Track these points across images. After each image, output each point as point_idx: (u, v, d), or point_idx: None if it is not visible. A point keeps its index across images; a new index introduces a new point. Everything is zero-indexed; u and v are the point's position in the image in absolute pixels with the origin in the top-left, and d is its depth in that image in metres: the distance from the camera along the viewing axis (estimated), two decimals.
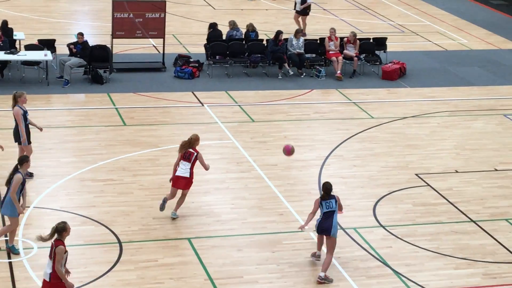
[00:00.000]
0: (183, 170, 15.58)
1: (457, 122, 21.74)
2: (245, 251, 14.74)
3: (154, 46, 26.27)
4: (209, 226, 15.57)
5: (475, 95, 24.03)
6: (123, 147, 18.66)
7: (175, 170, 15.66)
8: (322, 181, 17.52)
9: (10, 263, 13.78)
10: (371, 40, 26.05)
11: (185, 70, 23.68)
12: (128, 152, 18.42)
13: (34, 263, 13.82)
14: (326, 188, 14.18)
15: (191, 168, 15.60)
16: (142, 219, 15.54)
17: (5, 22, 23.63)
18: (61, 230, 12.08)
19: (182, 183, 15.62)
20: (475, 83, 25.05)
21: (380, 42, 26.08)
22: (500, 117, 22.23)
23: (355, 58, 24.90)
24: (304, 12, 28.33)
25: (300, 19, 28.21)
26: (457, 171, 18.67)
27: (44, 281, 12.05)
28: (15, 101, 16.94)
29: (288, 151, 15.75)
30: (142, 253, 14.40)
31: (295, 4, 28.56)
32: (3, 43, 22.64)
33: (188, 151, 15.66)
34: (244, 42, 24.92)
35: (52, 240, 12.10)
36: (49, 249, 12.14)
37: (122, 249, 14.45)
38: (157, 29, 24.10)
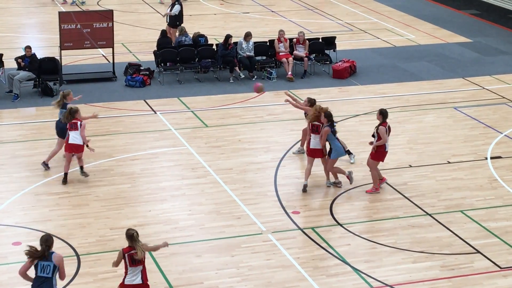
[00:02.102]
0: (315, 142, 17.20)
1: (409, 117, 21.95)
2: (204, 257, 14.72)
3: (103, 55, 26.12)
4: (167, 233, 15.51)
5: (425, 89, 24.29)
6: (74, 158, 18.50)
7: (308, 142, 17.41)
8: (278, 183, 17.62)
9: None
10: (320, 40, 26.19)
11: (136, 78, 23.59)
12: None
13: None
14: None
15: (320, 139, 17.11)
16: (99, 230, 15.44)
17: None
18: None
19: (318, 153, 17.25)
20: (424, 78, 25.32)
21: (329, 41, 26.24)
22: (451, 110, 22.50)
23: (305, 59, 25.02)
24: (173, 24, 27.51)
25: (171, 31, 26.99)
26: (411, 166, 18.84)
27: None
28: (64, 99, 18.20)
29: (256, 89, 18.37)
30: (100, 264, 14.31)
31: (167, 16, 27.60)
32: None
33: (315, 124, 17.21)
34: (194, 48, 24.89)
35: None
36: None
37: (80, 262, 14.35)
38: (106, 39, 23.96)
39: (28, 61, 22.66)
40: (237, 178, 17.86)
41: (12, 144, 19.42)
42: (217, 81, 24.43)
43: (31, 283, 12.00)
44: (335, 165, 17.43)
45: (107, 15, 24.12)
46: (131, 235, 12.32)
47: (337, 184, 17.60)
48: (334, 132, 17.20)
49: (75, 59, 25.40)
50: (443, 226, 16.08)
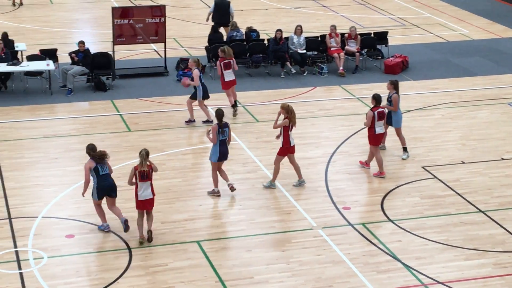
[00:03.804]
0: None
1: (462, 113, 21.72)
2: (255, 252, 14.75)
3: (155, 50, 26.30)
4: (218, 228, 15.58)
5: (479, 85, 23.99)
6: (129, 153, 18.67)
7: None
8: (329, 178, 17.57)
9: (21, 274, 13.81)
10: (372, 35, 26.03)
11: (188, 73, 23.66)
12: (134, 158, 18.40)
13: (45, 273, 13.84)
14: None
15: None
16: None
17: (5, 34, 23.68)
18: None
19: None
20: (478, 73, 25.02)
21: (382, 36, 26.07)
22: (505, 106, 22.19)
23: (357, 54, 24.89)
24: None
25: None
26: (463, 162, 18.64)
27: None
28: (198, 65, 20.00)
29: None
30: (152, 258, 14.42)
31: None
32: (5, 54, 22.69)
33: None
34: (245, 43, 24.92)
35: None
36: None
37: (132, 255, 14.47)
38: (158, 34, 24.13)
39: (81, 56, 22.91)
40: (287, 173, 17.84)
41: (66, 138, 19.66)
42: (268, 76, 24.43)
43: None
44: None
45: (160, 10, 24.28)
46: (142, 155, 14.53)
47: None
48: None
49: (127, 54, 25.60)
50: (496, 223, 15.88)
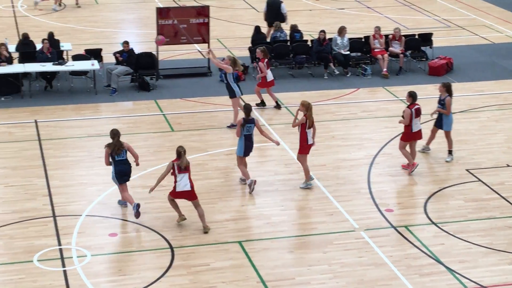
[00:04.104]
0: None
1: (507, 115, 21.46)
2: (296, 253, 14.73)
3: (199, 51, 26.39)
4: (260, 228, 15.59)
5: None
6: (171, 153, 18.63)
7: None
8: (372, 180, 17.49)
9: (64, 271, 13.95)
10: (417, 36, 25.85)
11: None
12: None
13: (88, 271, 13.97)
14: None
15: None
16: (192, 224, 15.60)
17: (51, 34, 23.95)
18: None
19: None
20: None
21: (426, 38, 25.88)
22: None
23: (401, 55, 24.74)
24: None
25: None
26: (508, 165, 18.42)
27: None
28: (234, 63, 19.95)
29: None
30: (194, 257, 14.47)
31: None
32: (51, 54, 22.94)
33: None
34: (288, 44, 24.91)
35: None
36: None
37: (174, 254, 14.54)
38: (202, 34, 24.22)
39: (126, 56, 23.08)
40: (330, 175, 17.79)
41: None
42: (311, 77, 24.39)
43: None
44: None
45: (203, 10, 24.37)
46: (179, 152, 15.13)
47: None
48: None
49: (171, 54, 25.73)
50: None
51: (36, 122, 20.58)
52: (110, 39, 27.75)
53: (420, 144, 18.72)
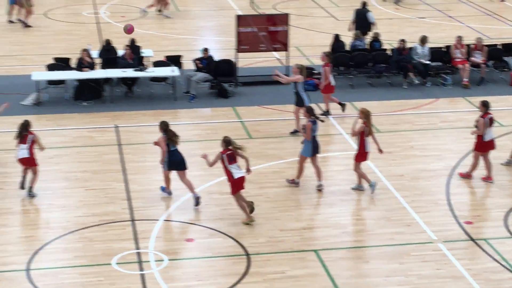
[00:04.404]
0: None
1: None
2: (373, 263, 14.60)
3: (277, 59, 26.44)
4: (336, 237, 15.51)
5: None
6: (249, 160, 18.79)
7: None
8: (451, 191, 17.23)
9: (142, 275, 14.11)
10: (499, 46, 25.41)
11: (309, 82, 23.67)
12: (254, 164, 18.54)
13: (165, 275, 14.10)
14: None
15: None
16: (269, 231, 15.62)
17: (133, 41, 24.32)
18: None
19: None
20: None
21: (509, 48, 25.41)
22: None
23: (483, 65, 24.35)
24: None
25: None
26: None
27: None
28: (302, 71, 19.92)
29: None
30: (270, 265, 14.48)
31: None
32: (132, 60, 23.29)
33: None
34: (368, 52, 24.78)
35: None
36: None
37: (250, 261, 14.57)
38: (281, 42, 24.28)
39: (205, 62, 23.28)
40: (408, 185, 17.61)
41: (188, 143, 19.97)
42: (390, 87, 24.19)
43: None
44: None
45: (283, 18, 24.42)
46: (228, 141, 15.79)
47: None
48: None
49: (250, 61, 25.84)
50: None
51: (116, 127, 20.91)
52: (190, 46, 28.03)
53: (499, 156, 18.40)
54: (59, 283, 13.81)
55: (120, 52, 23.90)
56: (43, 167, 18.08)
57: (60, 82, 23.12)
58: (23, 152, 16.87)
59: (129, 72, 22.94)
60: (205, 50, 23.48)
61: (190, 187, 16.68)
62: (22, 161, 16.96)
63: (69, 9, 33.00)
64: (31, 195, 16.97)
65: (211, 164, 15.96)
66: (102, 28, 30.29)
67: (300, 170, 17.47)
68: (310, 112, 17.40)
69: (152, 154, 19.21)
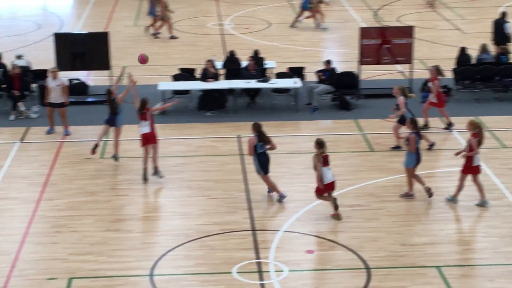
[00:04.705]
0: None
1: None
2: (498, 282, 14.20)
3: (400, 71, 26.16)
4: (459, 254, 15.18)
5: None
6: (370, 173, 18.68)
7: None
8: None
9: (262, 285, 14.18)
10: None
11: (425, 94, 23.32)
12: (375, 178, 18.42)
13: (285, 286, 14.12)
14: None
15: None
16: (390, 245, 15.44)
17: (257, 52, 24.56)
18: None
19: None
20: None
21: None
22: None
23: None
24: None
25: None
26: None
27: None
28: (403, 92, 19.79)
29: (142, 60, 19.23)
30: (390, 279, 14.30)
31: None
32: (255, 71, 23.51)
33: None
34: (495, 66, 24.20)
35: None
36: None
37: (370, 275, 14.43)
38: (405, 55, 24.01)
39: (328, 74, 23.27)
40: None
41: (309, 155, 19.90)
42: None
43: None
44: None
45: (407, 31, 24.17)
46: (321, 142, 16.30)
47: None
48: None
49: (372, 74, 25.66)
50: None
51: (238, 137, 21.13)
52: (312, 58, 28.08)
53: None
54: None
55: (244, 63, 24.17)
56: (167, 175, 18.47)
57: (185, 92, 23.57)
58: (145, 128, 18.09)
59: (252, 83, 23.17)
60: (328, 62, 23.47)
61: (274, 187, 17.35)
62: (144, 136, 18.13)
63: (195, 21, 33.63)
64: (159, 175, 18.16)
65: (316, 168, 16.35)
66: (226, 39, 30.72)
67: (411, 182, 17.36)
68: (413, 124, 17.33)
69: (273, 165, 19.25)
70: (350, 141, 20.80)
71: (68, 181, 18.44)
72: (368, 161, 19.51)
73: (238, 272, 14.52)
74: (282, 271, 14.58)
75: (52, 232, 16.08)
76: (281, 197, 17.33)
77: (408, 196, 17.36)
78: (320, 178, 16.28)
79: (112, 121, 19.44)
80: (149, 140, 18.18)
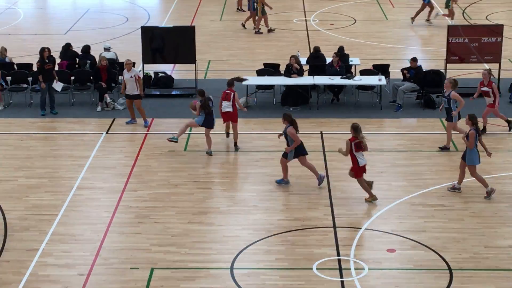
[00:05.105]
0: None
1: None
2: None
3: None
4: None
5: None
6: (454, 173, 18.37)
7: None
8: None
9: (342, 282, 14.12)
10: None
11: None
12: (455, 179, 18.12)
13: (365, 284, 14.04)
14: None
15: None
16: (473, 247, 15.18)
17: (341, 48, 24.45)
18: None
19: None
20: None
21: None
22: None
23: None
24: None
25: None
26: None
27: None
28: (454, 86, 19.59)
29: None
30: (473, 282, 14.06)
31: None
32: (340, 68, 23.41)
33: None
34: None
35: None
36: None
37: (452, 277, 14.22)
38: (493, 53, 23.57)
39: (413, 72, 23.00)
40: None
41: (392, 153, 19.82)
42: None
43: None
44: None
45: (497, 29, 23.74)
46: (356, 127, 16.80)
47: None
48: None
49: (458, 72, 25.24)
50: None
51: (321, 133, 21.08)
52: (398, 55, 27.82)
53: None
54: (260, 284, 14.09)
55: (328, 59, 24.08)
56: (249, 170, 18.55)
57: (269, 87, 23.62)
58: (228, 108, 19.77)
59: (336, 80, 23.06)
60: (414, 60, 23.20)
61: (314, 170, 17.83)
62: (226, 114, 19.83)
63: (280, 16, 33.67)
64: (237, 148, 19.69)
65: (346, 154, 16.94)
66: (310, 35, 30.66)
67: (481, 179, 17.19)
68: (472, 120, 17.13)
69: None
70: (434, 140, 20.52)
71: (152, 173, 18.69)
72: (452, 160, 19.21)
73: (318, 269, 14.49)
74: (362, 269, 14.50)
75: (135, 222, 16.33)
76: (284, 182, 17.92)
77: (491, 192, 17.08)
78: (355, 162, 16.90)
79: (206, 122, 19.55)
80: (230, 118, 19.89)
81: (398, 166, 19.06)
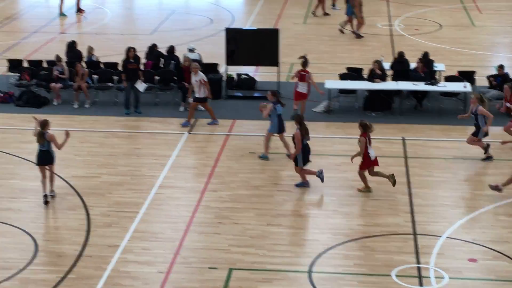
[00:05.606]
0: None
1: None
2: None
3: None
4: None
5: None
6: None
7: None
8: None
9: None
10: None
11: None
12: None
13: None
14: None
15: None
16: None
17: (426, 54, 24.15)
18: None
19: None
20: None
21: None
22: None
23: None
24: None
25: None
26: None
27: None
28: (481, 101, 19.21)
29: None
30: None
31: None
32: (424, 74, 23.13)
33: None
34: None
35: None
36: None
37: None
38: None
39: (499, 80, 22.57)
40: None
41: (476, 161, 19.45)
42: None
43: None
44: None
45: None
46: (365, 124, 17.47)
47: None
48: None
49: None
50: None
51: (403, 139, 20.86)
52: (484, 62, 27.36)
53: None
54: None
55: (412, 65, 23.82)
56: (330, 173, 18.46)
57: (351, 91, 23.50)
58: (303, 88, 21.52)
59: (420, 86, 22.79)
60: (501, 67, 22.77)
61: (313, 172, 17.95)
62: (299, 94, 21.64)
63: (365, 21, 33.45)
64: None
65: (363, 150, 17.43)
66: (395, 40, 30.39)
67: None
68: None
69: (438, 169, 18.97)
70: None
71: (233, 174, 18.78)
72: (506, 167, 18.75)
73: (397, 276, 14.34)
74: (442, 277, 14.28)
75: (215, 222, 16.43)
76: (305, 184, 18.01)
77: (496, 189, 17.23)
78: (366, 155, 17.45)
79: (278, 128, 19.56)
80: (302, 97, 21.50)
81: (482, 175, 18.74)
